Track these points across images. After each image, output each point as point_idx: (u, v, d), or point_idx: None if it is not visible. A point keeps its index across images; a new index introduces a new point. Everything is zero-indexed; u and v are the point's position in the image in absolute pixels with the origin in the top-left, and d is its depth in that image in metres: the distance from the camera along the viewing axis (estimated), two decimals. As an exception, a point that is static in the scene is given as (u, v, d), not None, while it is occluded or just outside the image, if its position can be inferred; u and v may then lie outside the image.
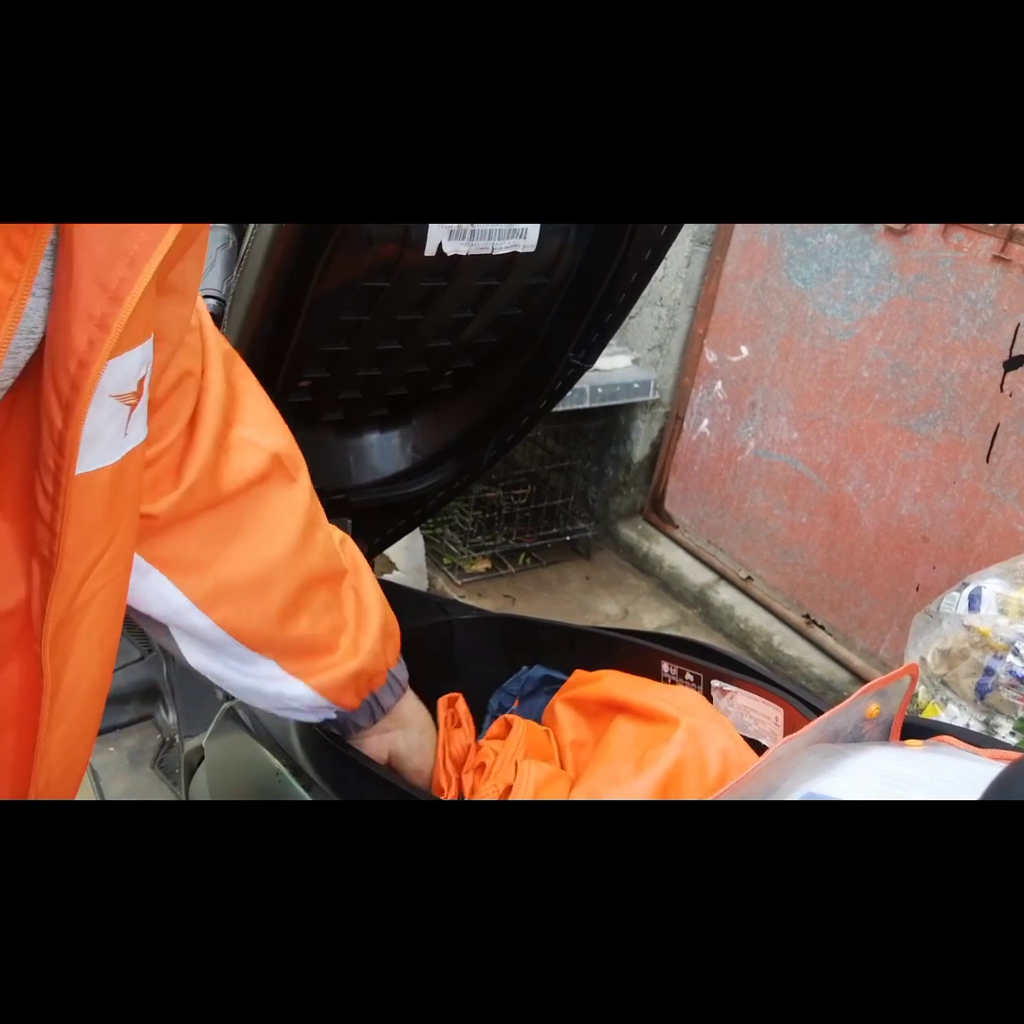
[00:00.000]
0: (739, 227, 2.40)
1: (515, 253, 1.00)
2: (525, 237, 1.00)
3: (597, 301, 1.13)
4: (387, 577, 2.12)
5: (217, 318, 0.99)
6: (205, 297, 1.00)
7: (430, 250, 0.94)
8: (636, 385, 2.61)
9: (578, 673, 1.06)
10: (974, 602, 1.64)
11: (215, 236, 1.10)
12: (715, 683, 1.00)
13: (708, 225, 2.47)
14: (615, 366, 2.63)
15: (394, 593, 1.43)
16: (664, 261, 2.53)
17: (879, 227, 2.08)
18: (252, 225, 0.88)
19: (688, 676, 1.02)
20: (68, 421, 0.48)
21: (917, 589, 2.16)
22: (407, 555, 2.34)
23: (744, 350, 2.46)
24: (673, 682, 1.03)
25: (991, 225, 1.88)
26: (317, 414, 1.21)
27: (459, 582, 2.60)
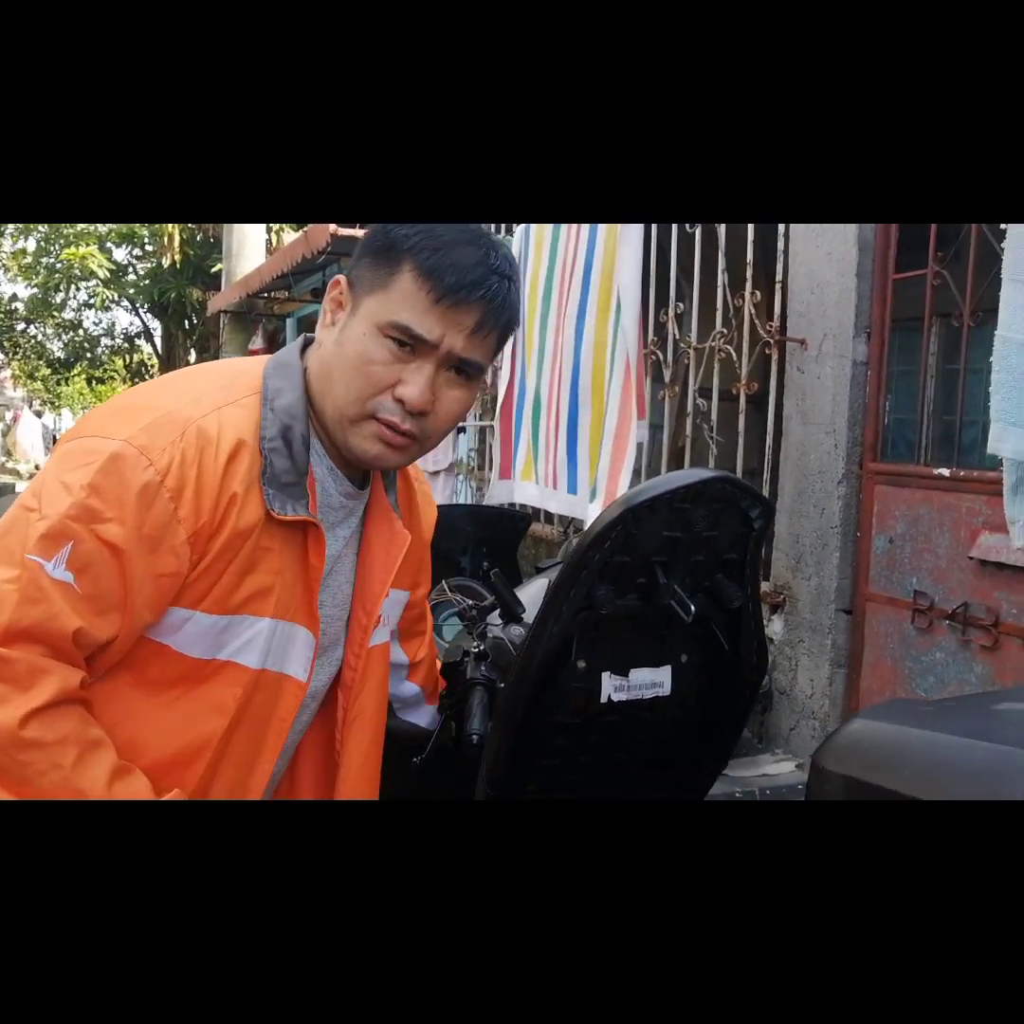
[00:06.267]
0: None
1: (657, 696, 1.62)
2: (663, 687, 1.62)
3: (715, 723, 1.72)
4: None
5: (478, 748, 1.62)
6: (471, 735, 1.64)
7: (603, 698, 1.58)
8: (801, 787, 3.05)
9: None
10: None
11: (477, 692, 1.77)
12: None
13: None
14: (781, 771, 3.11)
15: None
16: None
17: None
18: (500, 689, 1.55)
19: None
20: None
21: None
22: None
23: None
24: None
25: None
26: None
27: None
